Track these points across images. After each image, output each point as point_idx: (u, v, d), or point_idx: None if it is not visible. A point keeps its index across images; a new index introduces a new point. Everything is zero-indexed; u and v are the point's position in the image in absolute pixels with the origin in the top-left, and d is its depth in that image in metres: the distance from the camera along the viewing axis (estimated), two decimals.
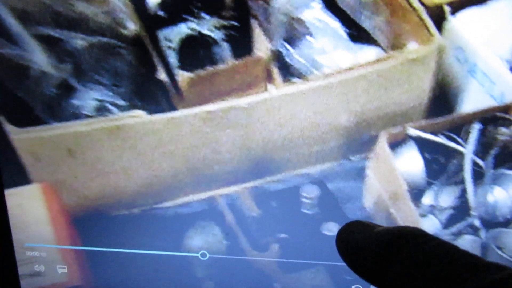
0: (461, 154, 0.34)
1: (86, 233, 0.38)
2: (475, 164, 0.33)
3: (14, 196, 0.37)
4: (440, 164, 0.34)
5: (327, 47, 0.33)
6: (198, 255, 0.37)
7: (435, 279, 0.12)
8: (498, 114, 0.33)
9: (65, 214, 0.38)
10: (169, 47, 0.34)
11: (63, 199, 0.37)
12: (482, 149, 0.33)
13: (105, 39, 0.33)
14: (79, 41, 0.33)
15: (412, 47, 0.33)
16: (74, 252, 0.38)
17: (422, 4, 0.32)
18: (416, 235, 0.14)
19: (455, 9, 0.32)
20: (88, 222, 0.38)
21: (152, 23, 0.34)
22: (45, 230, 0.38)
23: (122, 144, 0.35)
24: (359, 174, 0.36)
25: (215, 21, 0.33)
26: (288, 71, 0.34)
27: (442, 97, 0.34)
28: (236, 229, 0.37)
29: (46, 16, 0.33)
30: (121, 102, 0.35)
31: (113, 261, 0.38)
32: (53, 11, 0.33)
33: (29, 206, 0.37)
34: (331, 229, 0.36)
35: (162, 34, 0.34)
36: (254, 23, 0.33)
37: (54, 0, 0.33)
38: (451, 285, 0.12)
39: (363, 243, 0.15)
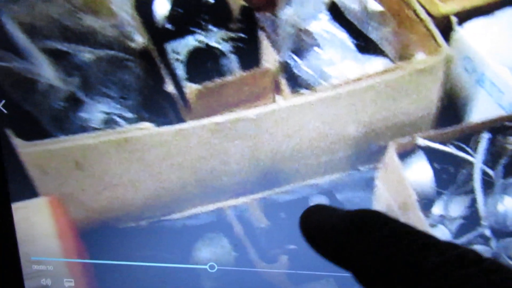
0: (470, 163, 0.34)
1: (94, 246, 0.38)
2: (484, 173, 0.33)
3: (21, 210, 0.37)
4: (449, 174, 0.34)
5: (335, 58, 0.33)
6: (207, 267, 0.37)
7: (398, 256, 0.13)
8: (507, 123, 0.33)
9: (72, 227, 0.38)
10: (177, 60, 0.34)
11: (70, 212, 0.37)
12: (491, 159, 0.33)
13: (112, 52, 0.33)
14: (87, 55, 0.33)
15: (420, 57, 0.33)
16: (81, 266, 0.38)
17: (429, 14, 0.32)
18: (377, 216, 0.14)
19: (462, 20, 0.32)
20: (95, 235, 0.38)
21: (159, 36, 0.34)
22: (52, 243, 0.38)
23: (130, 157, 0.35)
24: (368, 184, 0.36)
25: (222, 33, 0.33)
26: (296, 82, 0.34)
27: (451, 107, 0.34)
28: (244, 240, 0.37)
29: (54, 30, 0.33)
30: (129, 115, 0.35)
31: (120, 274, 0.38)
32: (61, 25, 0.33)
33: (36, 219, 0.37)
34: None
35: (170, 46, 0.34)
36: (261, 35, 0.33)
37: (62, 14, 0.33)
38: (413, 261, 0.13)
39: (326, 224, 0.15)
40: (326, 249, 0.15)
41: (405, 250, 0.13)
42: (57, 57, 0.33)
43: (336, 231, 0.15)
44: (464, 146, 0.34)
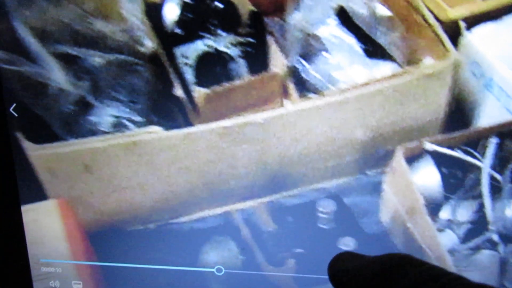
0: (478, 168, 0.34)
1: (102, 249, 0.38)
2: (492, 178, 0.33)
3: (31, 212, 0.37)
4: (457, 179, 0.34)
5: (343, 62, 0.33)
6: (214, 270, 0.37)
7: None
8: None
9: (81, 230, 0.38)
10: (186, 64, 0.34)
11: (79, 215, 0.37)
12: (499, 163, 0.33)
13: (122, 57, 0.34)
14: (97, 59, 0.34)
15: (428, 62, 0.33)
16: (89, 268, 0.38)
17: (438, 19, 0.32)
18: (406, 260, 0.14)
19: (470, 25, 0.32)
20: (103, 238, 0.38)
21: (169, 41, 0.34)
22: (61, 245, 0.38)
23: (138, 160, 0.35)
24: (376, 188, 0.36)
25: (231, 38, 0.34)
26: (304, 87, 0.34)
27: (459, 112, 0.34)
28: (252, 244, 0.37)
29: (64, 35, 0.33)
30: (138, 118, 0.35)
31: (128, 276, 0.38)
32: (71, 29, 0.33)
33: (45, 221, 0.38)
34: (348, 243, 0.36)
35: (179, 51, 0.34)
36: (270, 40, 0.33)
37: (73, 19, 0.33)
38: None
39: (355, 270, 0.15)
40: None
41: None
42: (67, 61, 0.34)
43: (366, 276, 0.15)
44: (472, 150, 0.34)
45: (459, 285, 0.13)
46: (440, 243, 0.34)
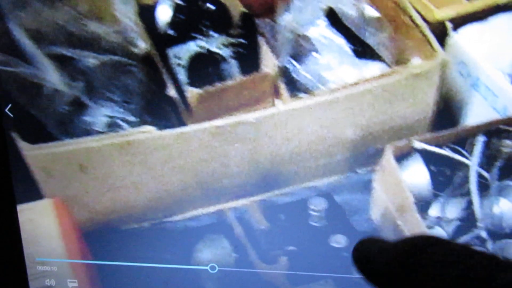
0: (466, 166, 0.34)
1: (97, 247, 0.38)
2: (480, 176, 0.34)
3: (26, 211, 0.38)
4: (445, 176, 0.35)
5: (332, 63, 0.34)
6: (208, 268, 0.38)
7: (463, 279, 0.12)
8: (501, 126, 0.33)
9: (76, 229, 0.38)
10: (179, 65, 0.35)
11: (74, 214, 0.38)
12: (487, 161, 0.34)
13: (116, 58, 0.34)
14: (91, 60, 0.34)
15: (416, 62, 0.34)
16: (84, 266, 0.39)
17: (425, 20, 0.33)
18: (433, 241, 0.14)
19: (457, 25, 0.33)
20: (98, 236, 0.38)
21: (162, 42, 0.34)
22: (56, 244, 0.38)
23: (132, 159, 0.36)
24: (366, 186, 0.36)
25: (223, 39, 0.34)
26: (295, 87, 0.35)
27: (446, 111, 0.35)
28: (245, 242, 0.37)
29: (59, 36, 0.34)
30: (132, 118, 0.36)
31: (123, 274, 0.39)
32: (66, 31, 0.34)
33: (40, 221, 0.38)
34: (339, 241, 0.36)
35: (172, 52, 0.35)
36: (261, 41, 0.34)
37: (67, 21, 0.34)
38: (481, 283, 0.12)
39: (382, 256, 0.15)
40: (383, 278, 0.15)
41: (472, 271, 0.13)
42: (62, 62, 0.34)
43: (391, 258, 0.14)
44: (460, 149, 0.34)
45: (497, 262, 0.13)
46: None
